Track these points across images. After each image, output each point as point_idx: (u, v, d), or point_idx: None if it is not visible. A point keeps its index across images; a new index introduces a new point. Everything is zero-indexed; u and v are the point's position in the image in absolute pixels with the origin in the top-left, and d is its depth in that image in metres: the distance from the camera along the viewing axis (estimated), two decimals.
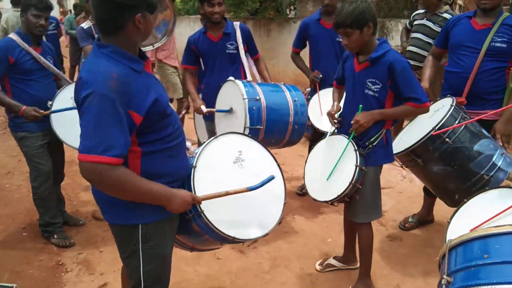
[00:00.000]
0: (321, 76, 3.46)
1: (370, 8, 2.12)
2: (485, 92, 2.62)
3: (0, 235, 3.26)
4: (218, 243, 1.86)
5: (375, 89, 2.18)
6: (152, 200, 1.54)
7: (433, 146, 2.36)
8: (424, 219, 3.25)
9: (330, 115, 2.40)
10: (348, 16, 2.08)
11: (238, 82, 2.85)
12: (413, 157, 2.46)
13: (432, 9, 3.90)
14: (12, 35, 2.82)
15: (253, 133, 2.75)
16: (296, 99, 2.94)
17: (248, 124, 2.73)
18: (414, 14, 4.23)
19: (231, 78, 2.94)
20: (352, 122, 2.22)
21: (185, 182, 1.69)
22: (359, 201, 2.33)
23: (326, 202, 2.34)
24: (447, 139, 2.32)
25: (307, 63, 3.75)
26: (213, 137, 1.86)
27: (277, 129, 2.88)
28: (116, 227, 1.66)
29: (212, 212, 1.66)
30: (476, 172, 2.33)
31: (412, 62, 4.04)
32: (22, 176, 4.37)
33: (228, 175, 1.78)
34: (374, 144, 2.24)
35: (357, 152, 2.22)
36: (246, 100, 2.73)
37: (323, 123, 3.26)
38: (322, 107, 3.35)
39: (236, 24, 3.24)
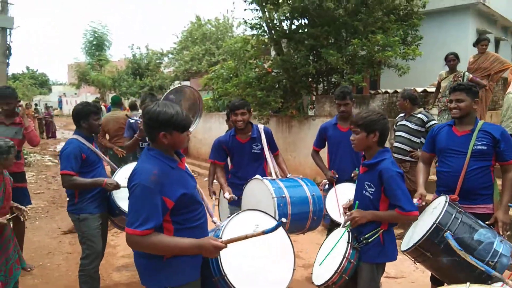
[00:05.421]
0: (337, 176, 3.85)
1: (383, 123, 2.48)
2: (475, 188, 2.96)
3: None
4: None
5: (370, 192, 2.50)
6: (186, 252, 1.98)
7: (437, 239, 2.52)
8: None
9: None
10: (361, 118, 2.50)
11: (266, 182, 3.28)
12: (422, 251, 2.61)
13: (408, 112, 4.94)
14: (76, 136, 3.36)
15: None
16: (314, 193, 3.37)
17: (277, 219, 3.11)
18: (397, 117, 5.22)
19: (258, 176, 3.41)
20: (348, 214, 2.59)
21: None
22: None
23: (318, 286, 2.58)
24: (448, 232, 2.51)
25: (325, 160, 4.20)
26: (235, 213, 2.41)
27: (299, 220, 3.30)
28: None
29: (232, 273, 2.08)
30: (481, 260, 2.47)
31: (397, 156, 4.91)
32: (62, 256, 4.80)
33: (247, 243, 2.12)
34: (369, 241, 2.47)
35: (349, 244, 2.46)
36: (275, 199, 3.15)
37: (339, 214, 3.55)
38: (338, 199, 3.68)
39: (261, 127, 3.84)
